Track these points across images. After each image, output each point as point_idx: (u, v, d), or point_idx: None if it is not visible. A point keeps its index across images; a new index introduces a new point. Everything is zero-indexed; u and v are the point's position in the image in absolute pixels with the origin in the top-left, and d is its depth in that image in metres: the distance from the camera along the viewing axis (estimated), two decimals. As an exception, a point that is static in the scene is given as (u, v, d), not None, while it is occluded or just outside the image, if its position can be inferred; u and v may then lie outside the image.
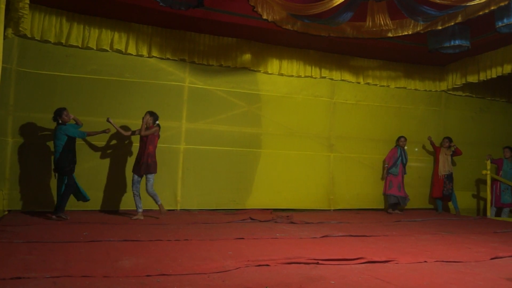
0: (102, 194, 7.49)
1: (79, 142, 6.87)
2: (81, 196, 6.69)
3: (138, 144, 6.94)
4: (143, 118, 6.81)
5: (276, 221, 7.19)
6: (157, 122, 6.89)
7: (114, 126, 6.96)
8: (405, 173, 9.18)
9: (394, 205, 9.05)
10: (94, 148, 7.49)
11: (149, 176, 6.71)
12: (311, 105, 9.11)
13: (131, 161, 7.34)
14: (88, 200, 6.75)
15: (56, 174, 6.46)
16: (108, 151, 7.62)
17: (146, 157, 6.69)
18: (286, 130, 8.86)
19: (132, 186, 6.81)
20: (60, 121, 6.40)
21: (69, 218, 6.35)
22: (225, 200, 8.28)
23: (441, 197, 9.39)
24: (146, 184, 6.71)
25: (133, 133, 7.06)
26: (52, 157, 6.60)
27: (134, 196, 6.80)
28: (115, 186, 7.56)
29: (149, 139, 6.75)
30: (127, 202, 7.51)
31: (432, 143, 9.62)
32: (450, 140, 9.43)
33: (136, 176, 6.79)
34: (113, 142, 7.64)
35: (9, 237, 4.86)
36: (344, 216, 8.23)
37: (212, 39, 8.21)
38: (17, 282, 3.27)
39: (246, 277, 3.69)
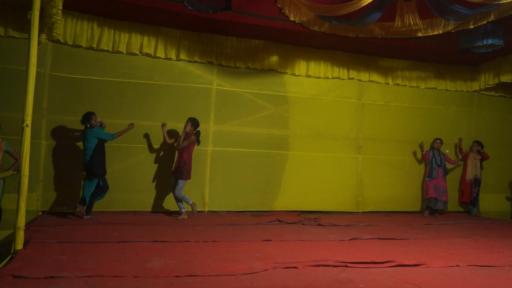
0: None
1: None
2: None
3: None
4: (184, 127, 7.07)
5: (303, 223, 7.16)
6: (198, 128, 7.19)
7: (163, 132, 7.32)
8: (445, 174, 8.90)
9: (430, 209, 8.85)
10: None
11: (179, 181, 6.99)
12: (338, 106, 9.03)
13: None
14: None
15: (85, 174, 6.58)
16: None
17: (179, 163, 7.00)
18: (314, 132, 8.81)
19: (172, 188, 7.11)
20: (88, 125, 6.59)
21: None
22: (252, 202, 8.30)
23: (469, 201, 9.18)
24: (175, 187, 6.98)
25: (176, 140, 7.32)
26: (83, 159, 6.69)
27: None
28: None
29: (184, 147, 7.02)
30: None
31: (459, 149, 9.38)
32: (478, 144, 9.16)
33: (173, 179, 7.12)
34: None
35: (42, 237, 4.99)
36: (373, 218, 8.13)
37: (239, 42, 8.24)
38: (50, 281, 3.36)
39: (274, 279, 3.69)
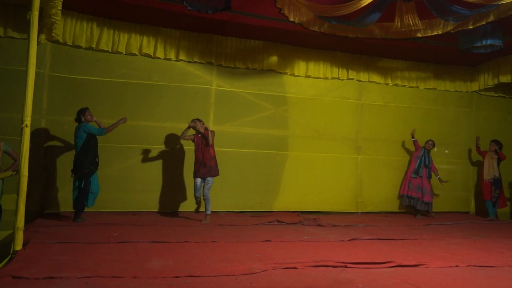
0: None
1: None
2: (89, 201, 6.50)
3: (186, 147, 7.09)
4: (205, 129, 6.90)
5: (303, 224, 7.16)
6: None
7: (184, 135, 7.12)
8: (429, 177, 8.81)
9: (416, 210, 8.78)
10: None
11: (210, 178, 6.88)
12: (338, 107, 9.04)
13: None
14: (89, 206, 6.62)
15: (73, 175, 6.35)
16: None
17: (210, 160, 6.88)
18: (313, 132, 8.81)
19: (196, 191, 6.91)
20: (83, 120, 6.38)
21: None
22: (252, 202, 8.30)
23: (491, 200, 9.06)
24: (204, 186, 6.86)
25: (191, 137, 7.07)
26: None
27: (196, 199, 6.97)
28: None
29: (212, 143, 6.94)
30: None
31: (477, 146, 9.26)
32: (496, 143, 8.98)
33: (199, 180, 6.90)
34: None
35: (42, 238, 4.99)
36: (372, 219, 8.14)
37: (239, 42, 8.24)
38: (50, 282, 3.36)
39: (273, 279, 3.69)
